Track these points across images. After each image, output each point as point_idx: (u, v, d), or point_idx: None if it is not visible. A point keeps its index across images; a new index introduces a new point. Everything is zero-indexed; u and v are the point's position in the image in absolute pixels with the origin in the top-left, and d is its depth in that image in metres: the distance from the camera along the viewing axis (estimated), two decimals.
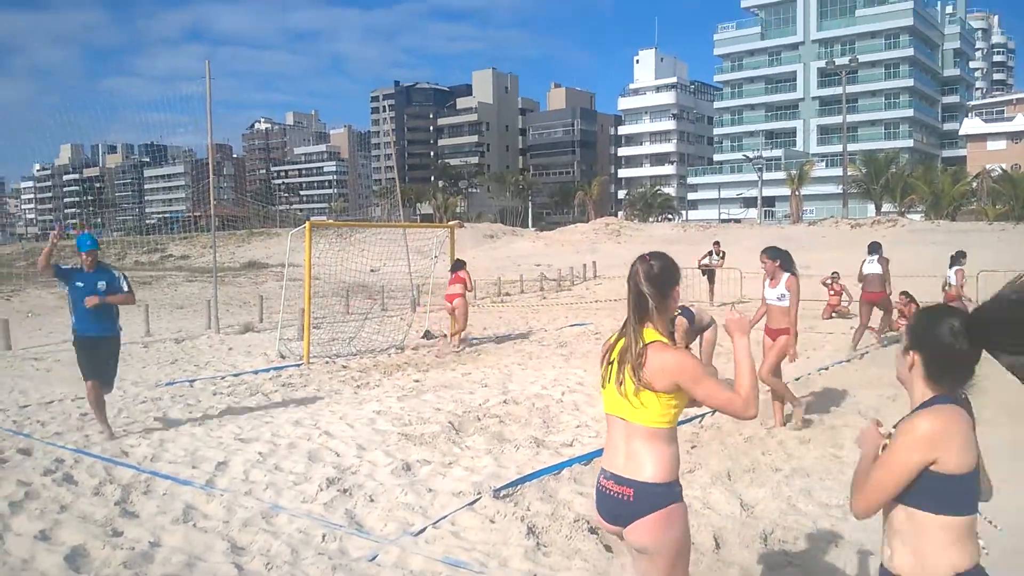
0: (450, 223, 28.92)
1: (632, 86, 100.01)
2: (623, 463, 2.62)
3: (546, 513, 4.93)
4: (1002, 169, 53.54)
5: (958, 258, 13.59)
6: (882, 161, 55.57)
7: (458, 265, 13.09)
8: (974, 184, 52.29)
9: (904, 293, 13.90)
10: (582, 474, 5.79)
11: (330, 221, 60.66)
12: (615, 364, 2.71)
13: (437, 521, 4.81)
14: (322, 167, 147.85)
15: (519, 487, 5.43)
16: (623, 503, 2.59)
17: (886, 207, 54.25)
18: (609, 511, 2.66)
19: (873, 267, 11.98)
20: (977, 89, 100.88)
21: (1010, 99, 76.76)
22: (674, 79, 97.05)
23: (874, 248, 12.16)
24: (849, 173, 56.38)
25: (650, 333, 2.63)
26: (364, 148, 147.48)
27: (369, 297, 19.98)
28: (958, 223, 40.38)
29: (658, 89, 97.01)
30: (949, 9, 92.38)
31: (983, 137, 71.78)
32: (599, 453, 6.22)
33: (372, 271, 17.38)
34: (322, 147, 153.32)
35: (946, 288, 13.45)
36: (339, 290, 19.94)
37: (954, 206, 49.34)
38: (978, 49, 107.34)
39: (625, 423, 2.64)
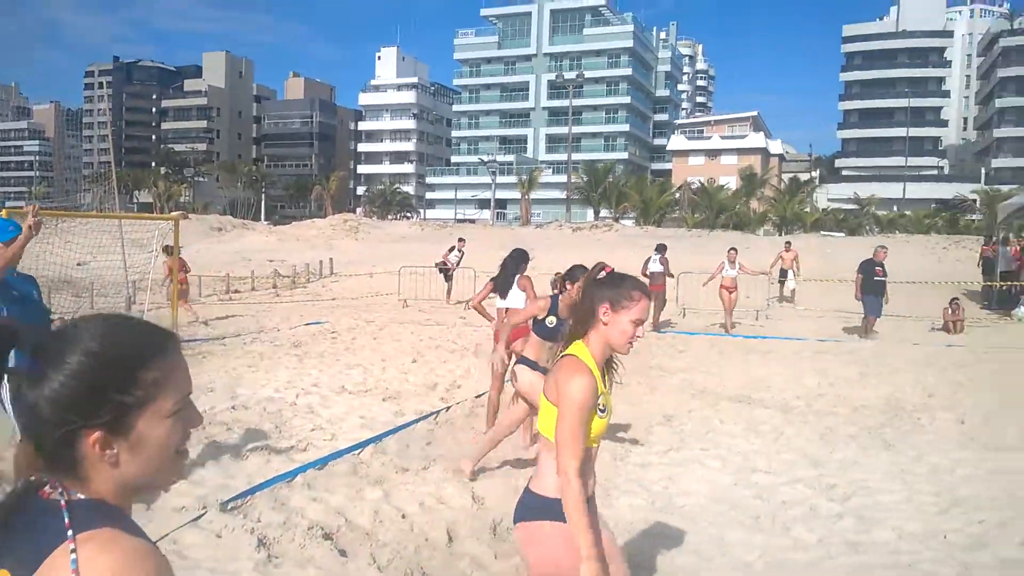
0: (173, 214, 26.83)
1: (373, 82, 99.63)
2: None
3: (278, 523, 4.77)
4: (700, 182, 60.64)
5: (661, 249, 15.62)
6: (601, 171, 60.37)
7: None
8: (677, 195, 58.61)
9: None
10: (316, 479, 5.66)
11: (29, 208, 53.52)
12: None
13: (156, 541, 4.44)
14: (22, 146, 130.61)
15: (249, 498, 5.18)
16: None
17: (603, 213, 59.10)
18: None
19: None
20: (683, 109, 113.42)
21: (709, 120, 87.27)
22: (415, 79, 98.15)
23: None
24: (573, 181, 60.65)
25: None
26: (75, 128, 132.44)
27: (75, 295, 17.95)
28: (663, 229, 45.02)
29: (399, 88, 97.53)
30: (663, 35, 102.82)
31: (686, 153, 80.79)
32: (337, 455, 6.14)
33: (79, 265, 15.66)
34: (23, 123, 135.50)
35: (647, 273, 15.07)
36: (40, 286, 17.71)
37: (660, 214, 54.92)
38: (685, 73, 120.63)
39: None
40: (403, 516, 4.97)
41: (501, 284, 7.32)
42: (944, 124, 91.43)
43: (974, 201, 57.17)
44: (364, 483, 5.57)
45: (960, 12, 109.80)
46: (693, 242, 33.63)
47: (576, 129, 77.97)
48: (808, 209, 57.51)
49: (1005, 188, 52.73)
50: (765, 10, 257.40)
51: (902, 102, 79.96)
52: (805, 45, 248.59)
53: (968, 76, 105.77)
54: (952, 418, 7.97)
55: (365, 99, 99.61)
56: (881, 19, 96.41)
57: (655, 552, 4.53)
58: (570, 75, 65.69)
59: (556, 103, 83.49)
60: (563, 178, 67.44)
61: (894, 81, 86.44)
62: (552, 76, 77.69)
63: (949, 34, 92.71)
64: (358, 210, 73.64)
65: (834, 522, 5.06)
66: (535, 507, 2.58)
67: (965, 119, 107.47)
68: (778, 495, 5.57)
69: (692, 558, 4.50)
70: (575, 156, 70.38)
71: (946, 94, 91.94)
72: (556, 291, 6.48)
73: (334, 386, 8.91)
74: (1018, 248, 20.67)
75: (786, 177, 66.44)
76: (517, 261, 7.34)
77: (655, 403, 8.62)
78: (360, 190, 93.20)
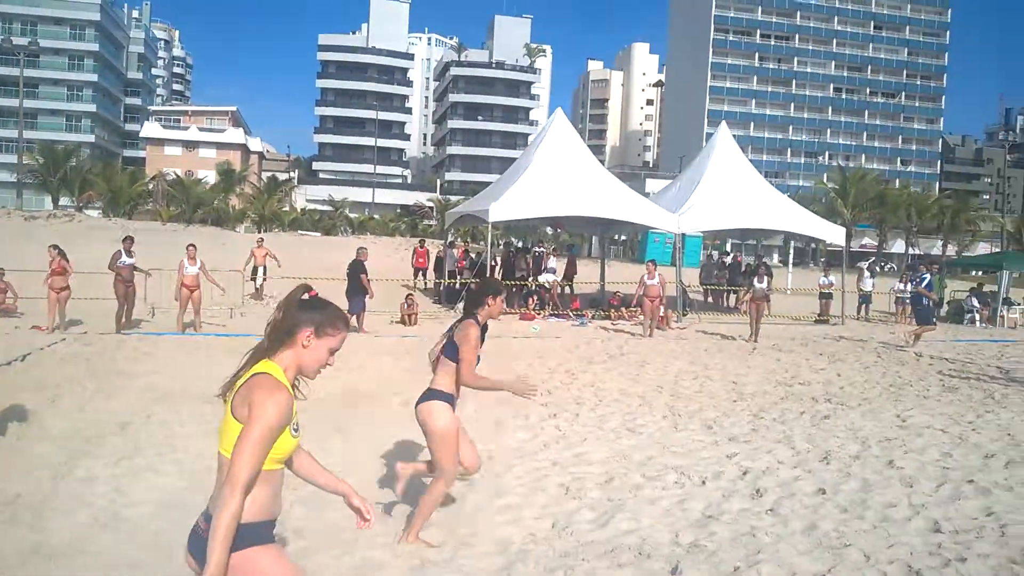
0: None
1: None
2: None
3: None
4: (177, 174, 57.65)
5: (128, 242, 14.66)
6: (61, 153, 53.58)
7: None
8: (151, 186, 54.87)
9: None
10: None
11: None
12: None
13: None
14: None
15: None
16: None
17: (64, 201, 52.55)
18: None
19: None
20: (158, 96, 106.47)
21: (187, 110, 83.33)
22: None
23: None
24: (26, 162, 52.64)
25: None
26: None
27: None
28: (134, 221, 41.76)
29: None
30: (136, 14, 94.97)
31: (162, 142, 76.04)
32: None
33: None
34: None
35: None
36: None
37: (131, 205, 50.89)
38: (161, 58, 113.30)
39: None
40: None
41: None
42: (407, 138, 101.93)
43: (431, 208, 64.92)
44: None
45: (420, 38, 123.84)
46: (168, 237, 31.80)
47: (30, 104, 67.72)
48: (287, 208, 58.96)
49: (455, 198, 61.11)
50: (245, 6, 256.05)
51: (372, 114, 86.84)
52: (287, 47, 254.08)
53: (427, 97, 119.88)
54: (400, 401, 8.90)
55: None
56: (354, 33, 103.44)
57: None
58: (21, 41, 56.63)
59: (3, 71, 71.31)
60: (13, 158, 57.99)
61: (365, 93, 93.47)
62: None
63: (411, 57, 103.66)
64: None
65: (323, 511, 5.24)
66: (242, 535, 2.38)
67: (425, 135, 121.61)
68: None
69: (134, 572, 4.23)
70: (30, 135, 61.13)
71: (409, 111, 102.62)
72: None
73: None
74: (463, 250, 24.13)
75: (265, 176, 67.11)
76: None
77: (110, 411, 7.93)
78: None
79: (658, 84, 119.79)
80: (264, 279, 21.23)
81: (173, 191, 53.50)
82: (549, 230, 42.08)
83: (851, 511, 5.60)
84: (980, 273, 34.03)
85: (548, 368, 11.69)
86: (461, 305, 19.78)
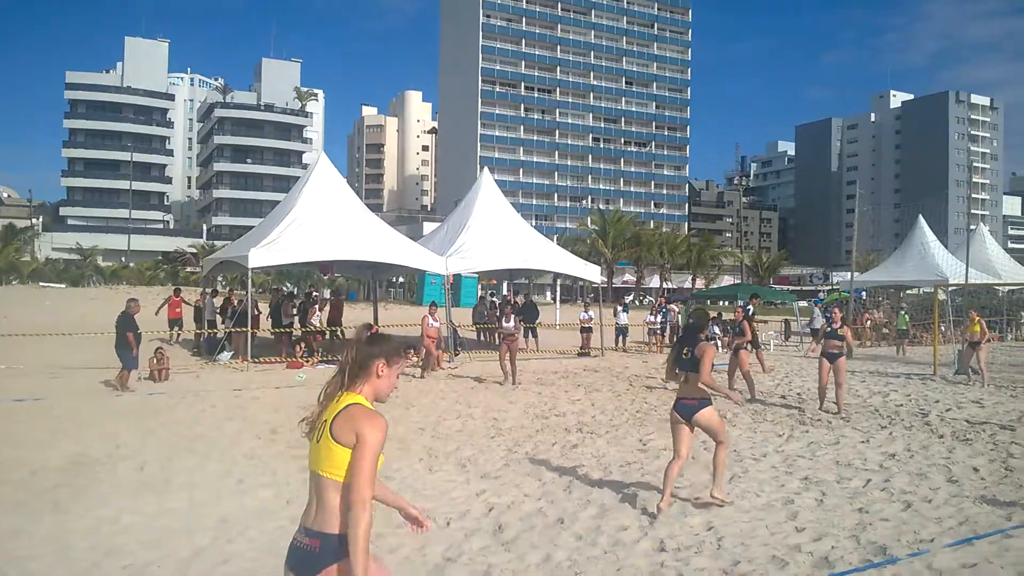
0: None
1: None
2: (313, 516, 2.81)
3: None
4: None
5: None
6: None
7: None
8: None
9: None
10: None
11: None
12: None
13: None
14: None
15: None
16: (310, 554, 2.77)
17: None
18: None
19: None
20: None
21: None
22: None
23: None
24: None
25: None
26: None
27: None
28: None
29: None
30: None
31: None
32: None
33: None
34: None
35: None
36: None
37: None
38: None
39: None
40: None
41: None
42: (169, 181, 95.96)
43: (194, 254, 61.21)
44: None
45: (182, 78, 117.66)
46: None
47: None
48: (27, 258, 53.09)
49: (222, 243, 58.07)
50: None
51: (128, 155, 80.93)
52: (26, 84, 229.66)
53: (191, 138, 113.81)
54: (133, 466, 8.12)
55: None
56: (108, 71, 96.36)
57: None
58: None
59: None
60: None
61: (120, 135, 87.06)
62: None
63: (172, 97, 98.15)
64: None
65: None
66: (334, 547, 2.73)
67: (189, 178, 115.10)
68: None
69: None
70: None
71: (170, 152, 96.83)
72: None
73: None
74: (232, 297, 22.72)
75: (2, 223, 60.15)
76: None
77: None
78: None
79: (432, 131, 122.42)
80: None
81: None
82: (322, 274, 41.12)
83: (586, 538, 5.80)
84: (724, 303, 37.68)
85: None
86: (226, 355, 18.65)
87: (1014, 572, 5.15)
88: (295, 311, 21.48)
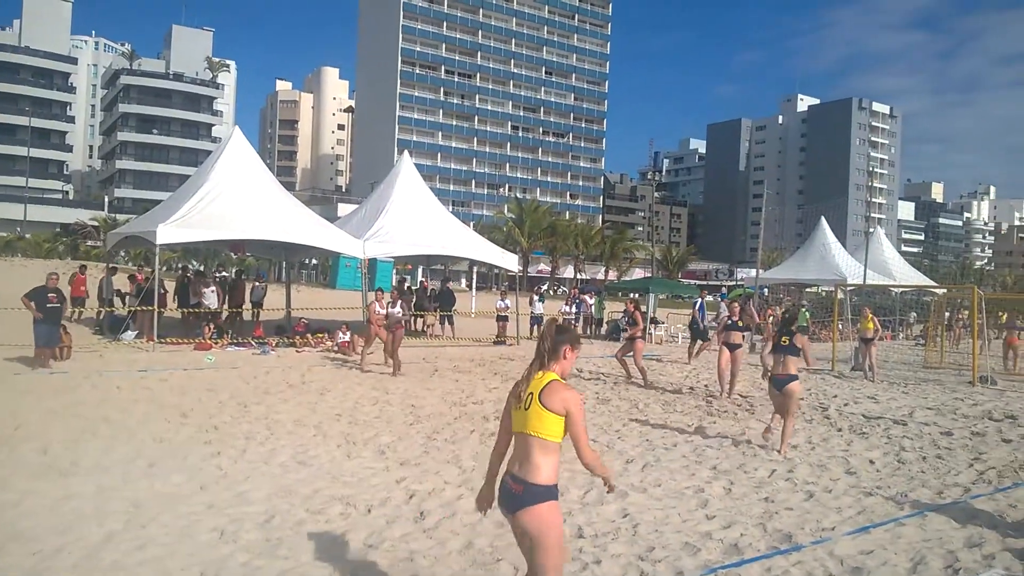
0: None
1: None
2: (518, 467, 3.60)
3: None
4: None
5: None
6: None
7: None
8: None
9: None
10: None
11: None
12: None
13: None
14: None
15: None
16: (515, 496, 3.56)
17: None
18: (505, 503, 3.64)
19: None
20: None
21: None
22: None
23: None
24: None
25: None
26: None
27: None
28: None
29: None
30: None
31: None
32: None
33: None
34: None
35: None
36: None
37: None
38: None
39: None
40: None
41: None
42: (70, 149, 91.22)
43: (96, 227, 58.50)
44: None
45: (86, 41, 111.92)
46: None
47: None
48: None
49: (125, 217, 55.58)
50: None
51: (25, 120, 76.55)
52: None
53: (94, 106, 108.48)
54: (36, 447, 7.77)
55: None
56: (4, 29, 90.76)
57: None
58: None
59: None
60: None
61: (17, 98, 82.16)
62: None
63: (74, 60, 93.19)
64: None
65: None
66: (540, 493, 3.51)
67: (91, 147, 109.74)
68: None
69: None
70: None
71: (72, 119, 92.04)
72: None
73: None
74: (141, 275, 21.76)
75: None
76: None
77: None
78: None
79: (349, 110, 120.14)
80: None
81: None
82: (232, 254, 39.94)
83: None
84: (634, 296, 38.44)
85: (219, 401, 10.95)
86: (130, 334, 17.93)
87: (906, 558, 5.52)
88: (213, 289, 20.55)
